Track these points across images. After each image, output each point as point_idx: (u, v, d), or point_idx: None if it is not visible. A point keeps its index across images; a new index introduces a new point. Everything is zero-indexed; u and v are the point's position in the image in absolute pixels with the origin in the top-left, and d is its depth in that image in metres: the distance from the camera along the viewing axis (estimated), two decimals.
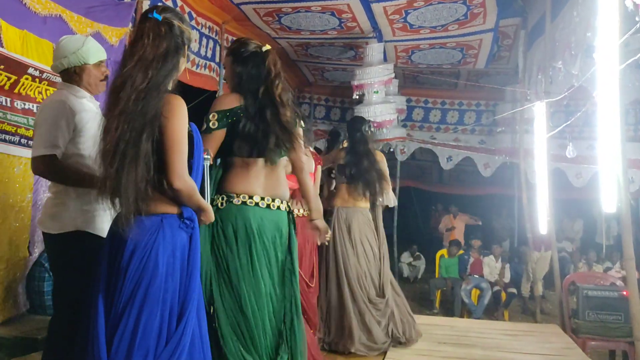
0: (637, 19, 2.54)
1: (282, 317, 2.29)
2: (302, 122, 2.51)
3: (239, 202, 2.29)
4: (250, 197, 2.30)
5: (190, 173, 1.92)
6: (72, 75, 2.48)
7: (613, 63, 2.89)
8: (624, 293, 4.23)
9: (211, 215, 2.05)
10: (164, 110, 1.78)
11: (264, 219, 2.29)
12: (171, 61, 1.83)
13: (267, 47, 2.43)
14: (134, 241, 1.84)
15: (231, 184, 2.33)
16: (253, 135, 2.30)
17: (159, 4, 4.97)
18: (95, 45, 2.52)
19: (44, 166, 2.33)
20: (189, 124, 1.93)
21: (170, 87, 1.88)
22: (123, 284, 1.81)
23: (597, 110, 3.22)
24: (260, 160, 2.34)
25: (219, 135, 2.30)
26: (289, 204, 2.44)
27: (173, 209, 1.92)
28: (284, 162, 2.47)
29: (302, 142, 2.46)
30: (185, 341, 1.82)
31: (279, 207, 2.35)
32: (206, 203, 2.03)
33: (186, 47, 1.91)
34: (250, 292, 2.23)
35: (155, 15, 1.84)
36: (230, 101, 2.34)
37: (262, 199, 2.31)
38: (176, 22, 1.88)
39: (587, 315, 4.47)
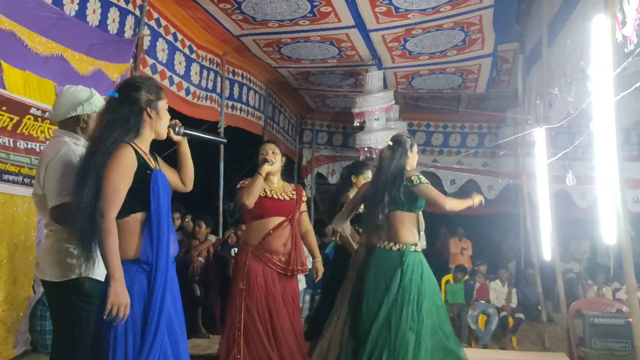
0: (626, 50, 2.55)
1: (385, 332, 3.15)
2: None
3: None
4: (377, 243, 3.46)
5: (149, 226, 2.08)
6: (78, 122, 2.44)
7: (608, 94, 2.90)
8: (631, 320, 4.16)
9: (114, 290, 1.98)
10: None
11: (382, 257, 3.37)
12: (125, 123, 2.13)
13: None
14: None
15: None
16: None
17: (160, 38, 5.07)
18: (99, 95, 2.53)
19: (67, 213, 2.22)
20: (152, 173, 2.13)
21: (132, 139, 2.15)
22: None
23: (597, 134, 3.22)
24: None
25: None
26: (402, 245, 3.32)
27: (129, 254, 2.06)
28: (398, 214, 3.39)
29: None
30: None
31: (391, 248, 3.35)
32: (115, 271, 1.99)
33: (149, 108, 2.19)
34: (362, 304, 3.36)
35: (111, 93, 2.20)
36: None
37: (383, 242, 3.41)
38: (132, 93, 2.17)
39: (594, 343, 4.41)
